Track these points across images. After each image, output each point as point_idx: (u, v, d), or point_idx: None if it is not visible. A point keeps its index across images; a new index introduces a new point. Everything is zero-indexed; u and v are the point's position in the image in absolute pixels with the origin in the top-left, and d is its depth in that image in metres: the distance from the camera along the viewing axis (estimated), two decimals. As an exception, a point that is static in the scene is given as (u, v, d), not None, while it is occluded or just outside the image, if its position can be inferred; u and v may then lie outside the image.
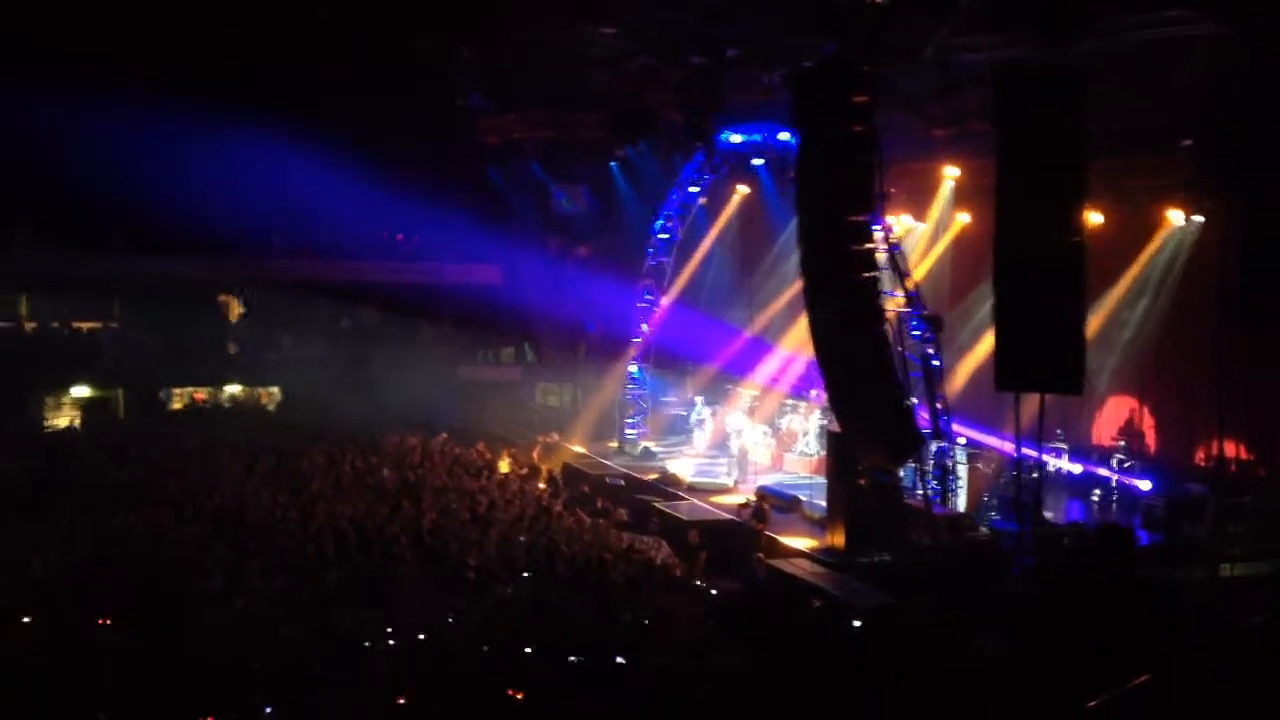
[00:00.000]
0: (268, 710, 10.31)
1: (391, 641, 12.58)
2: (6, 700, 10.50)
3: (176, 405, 32.93)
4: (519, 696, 10.86)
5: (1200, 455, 20.72)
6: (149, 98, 27.15)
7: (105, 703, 10.45)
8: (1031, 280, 14.67)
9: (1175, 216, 20.66)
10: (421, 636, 12.80)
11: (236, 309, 35.68)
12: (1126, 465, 20.81)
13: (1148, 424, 22.10)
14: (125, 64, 26.93)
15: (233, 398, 33.76)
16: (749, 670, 11.80)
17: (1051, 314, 14.67)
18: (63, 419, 31.28)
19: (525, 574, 15.53)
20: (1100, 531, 17.11)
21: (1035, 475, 17.73)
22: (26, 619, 12.54)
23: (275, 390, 33.88)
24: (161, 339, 32.79)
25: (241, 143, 27.73)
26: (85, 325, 34.15)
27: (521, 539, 17.25)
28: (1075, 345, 14.84)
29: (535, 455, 25.48)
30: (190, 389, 33.37)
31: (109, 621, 12.92)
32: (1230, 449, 19.75)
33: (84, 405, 31.65)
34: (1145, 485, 20.05)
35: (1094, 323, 19.13)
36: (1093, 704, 10.19)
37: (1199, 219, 20.39)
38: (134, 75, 26.94)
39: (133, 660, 11.57)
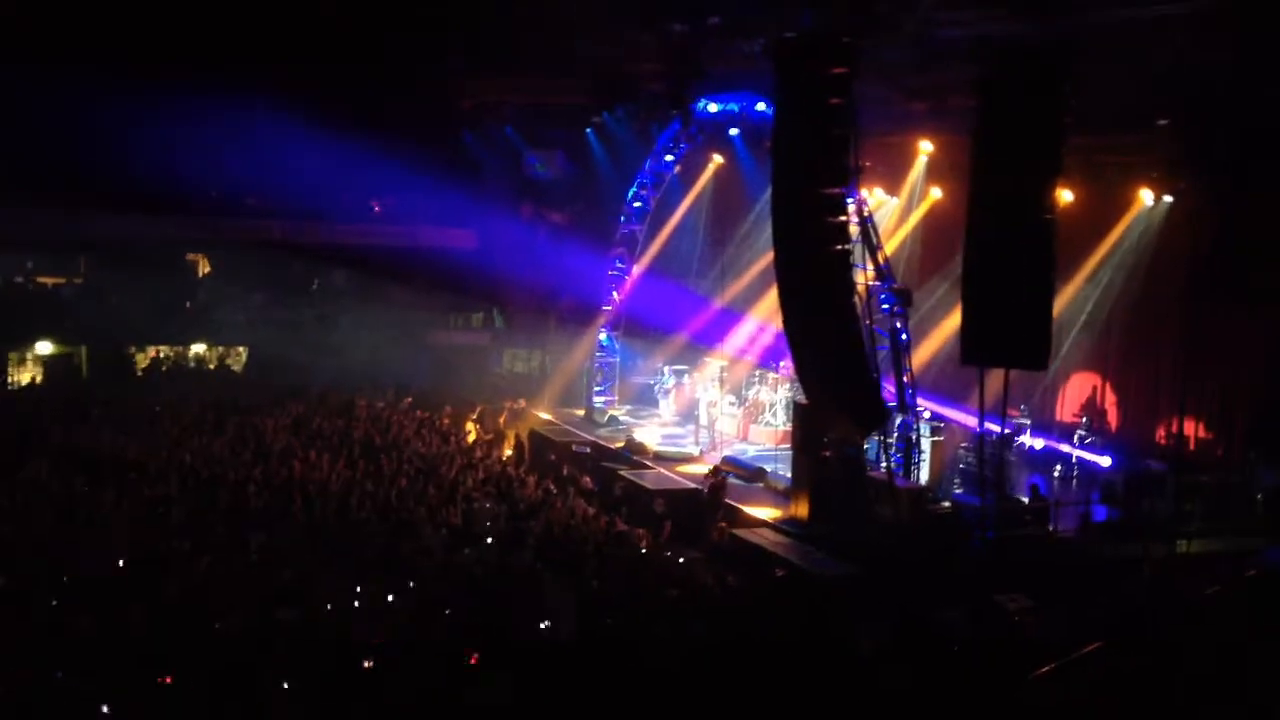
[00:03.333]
0: (229, 669, 10.31)
1: (356, 604, 12.61)
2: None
3: (141, 363, 32.61)
4: (473, 660, 10.92)
5: (1160, 433, 21.02)
6: (121, 56, 26.75)
7: (66, 664, 10.41)
8: (1001, 256, 14.79)
9: (1145, 196, 20.84)
10: (390, 599, 12.84)
11: (205, 267, 35.35)
12: (1088, 441, 21.08)
13: (1110, 401, 22.38)
14: (97, 23, 26.54)
15: (199, 357, 33.47)
16: (717, 639, 11.92)
17: (1019, 290, 14.79)
18: (24, 375, 30.95)
19: (489, 540, 15.57)
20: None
21: (998, 450, 17.93)
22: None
23: (242, 350, 33.64)
24: (127, 296, 32.44)
25: (214, 102, 27.38)
26: (50, 281, 33.76)
27: (488, 505, 17.27)
28: (1042, 322, 14.99)
29: (502, 421, 25.48)
30: (156, 347, 33.04)
31: (77, 585, 12.84)
32: (1190, 428, 20.03)
33: (47, 362, 31.32)
34: (1105, 461, 20.33)
35: (1060, 299, 19.31)
36: (1041, 671, 10.36)
37: (1168, 199, 20.57)
38: (106, 34, 26.54)
39: (101, 623, 11.55)
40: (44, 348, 31.29)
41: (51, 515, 15.76)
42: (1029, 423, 21.69)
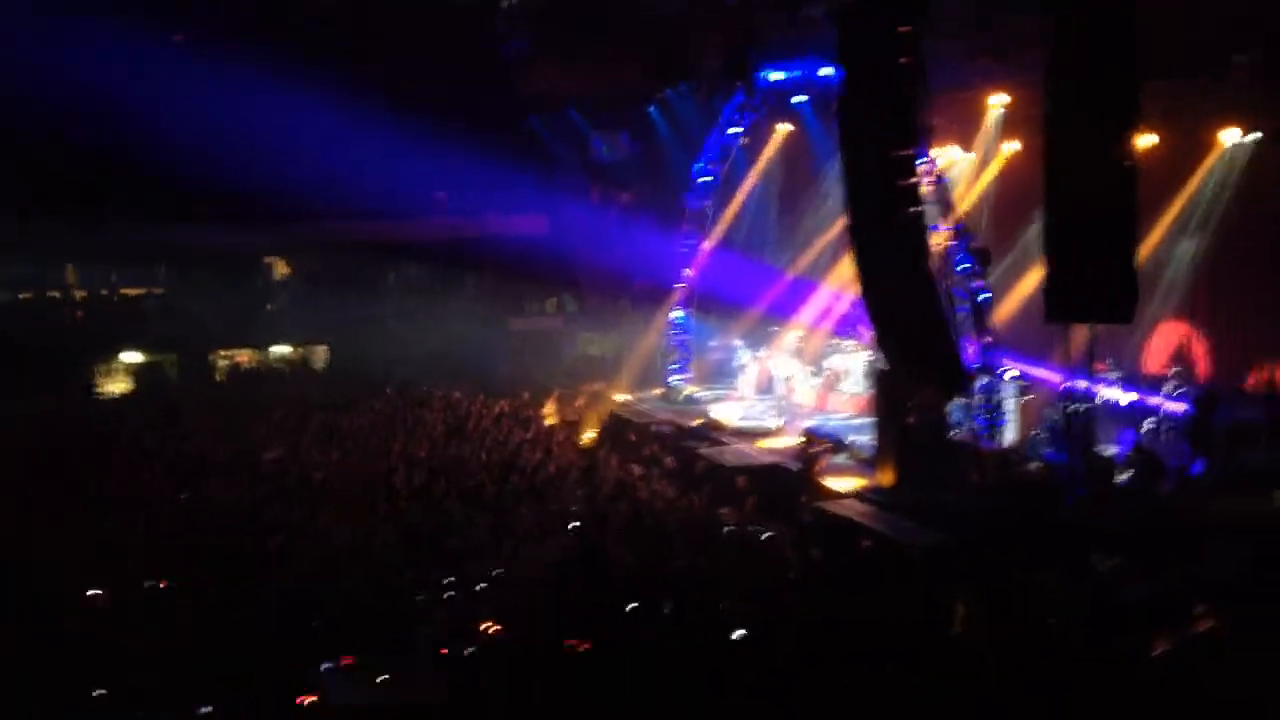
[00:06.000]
0: (324, 667, 10.41)
1: (450, 594, 12.69)
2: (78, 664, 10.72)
3: (225, 367, 33.27)
4: (581, 648, 10.90)
5: (1252, 380, 20.34)
6: (189, 61, 27.22)
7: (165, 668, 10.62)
8: (1082, 208, 14.39)
9: (1229, 136, 20.11)
10: (480, 587, 12.90)
11: (282, 270, 35.91)
12: (1179, 393, 20.47)
13: (1199, 350, 21.70)
14: (163, 27, 27.00)
15: (281, 358, 34.05)
16: (806, 616, 11.79)
17: (1102, 242, 14.39)
18: (117, 385, 31.73)
19: (575, 524, 15.59)
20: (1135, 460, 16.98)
21: (1085, 407, 17.50)
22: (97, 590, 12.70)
23: (322, 349, 34.14)
24: (208, 304, 33.11)
25: (278, 105, 27.76)
26: (133, 291, 34.55)
27: (575, 490, 17.32)
28: (1126, 274, 14.56)
29: (580, 405, 25.52)
30: (238, 351, 33.68)
31: (171, 586, 13.10)
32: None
33: (136, 371, 32.08)
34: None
35: (1144, 249, 18.75)
36: (1158, 651, 10.05)
37: (1253, 137, 19.84)
38: (169, 37, 27.00)
39: (198, 624, 11.77)
40: (130, 357, 32.04)
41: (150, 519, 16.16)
42: (1117, 376, 21.13)
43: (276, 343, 34.02)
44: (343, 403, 24.63)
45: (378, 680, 10.16)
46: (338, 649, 10.69)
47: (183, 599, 12.70)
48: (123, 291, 34.52)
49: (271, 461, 19.46)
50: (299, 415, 23.47)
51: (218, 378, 32.61)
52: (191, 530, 15.57)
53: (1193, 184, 20.93)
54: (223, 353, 33.37)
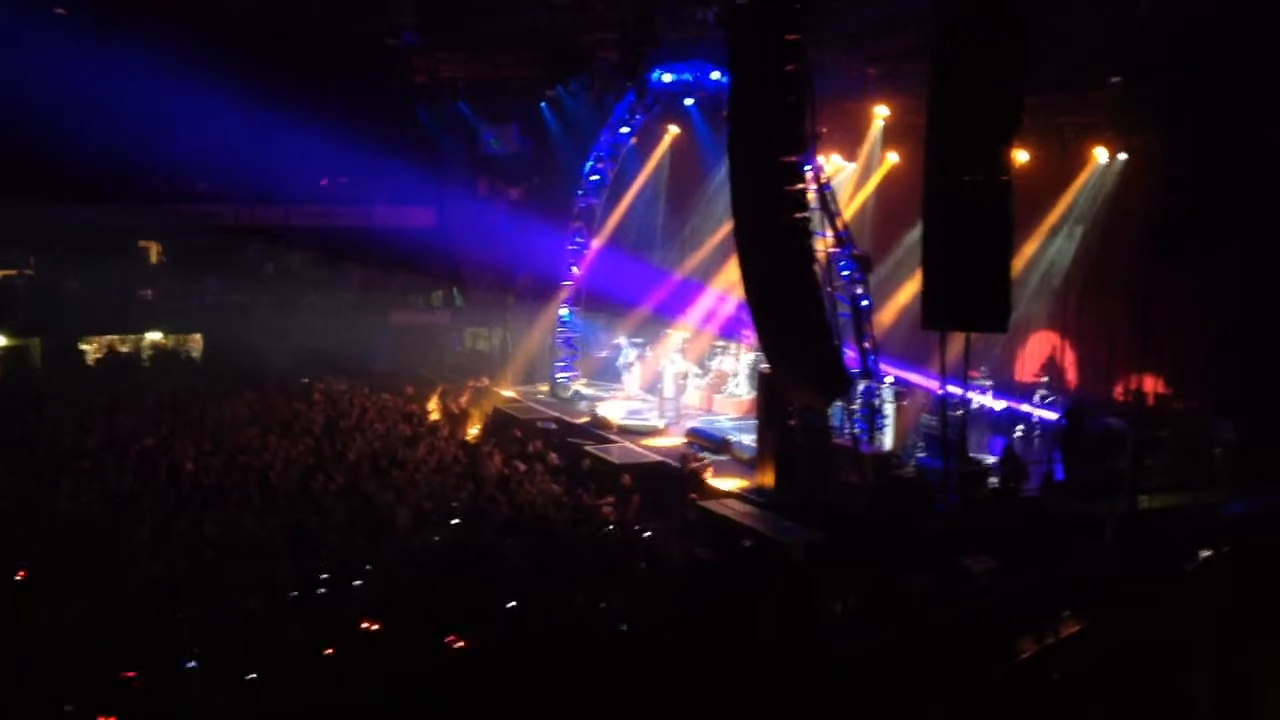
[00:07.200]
0: (191, 664, 10.16)
1: (322, 590, 12.48)
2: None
3: (95, 354, 32.13)
4: (460, 645, 10.83)
5: (1119, 390, 21.17)
6: (65, 38, 26.22)
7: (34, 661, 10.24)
8: (959, 219, 14.73)
9: (1100, 154, 20.91)
10: (357, 584, 12.71)
11: (156, 255, 34.79)
12: (1048, 401, 21.19)
13: (1069, 360, 22.51)
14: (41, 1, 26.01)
15: (154, 345, 33.01)
16: (685, 610, 11.90)
17: (978, 253, 14.75)
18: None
19: (456, 520, 15.46)
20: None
21: (960, 413, 18.00)
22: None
23: (198, 338, 33.20)
24: (79, 287, 31.93)
25: (162, 85, 26.91)
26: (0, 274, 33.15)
27: (455, 484, 17.16)
28: (1001, 284, 14.97)
29: (465, 400, 25.31)
30: (110, 337, 32.55)
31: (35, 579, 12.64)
32: (1149, 384, 20.19)
33: (0, 355, 30.82)
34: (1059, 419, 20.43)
35: (1018, 260, 19.34)
36: (1024, 656, 10.38)
37: (1123, 156, 20.66)
38: (48, 11, 25.99)
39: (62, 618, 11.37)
40: (-4, 341, 30.80)
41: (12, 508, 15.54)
42: (990, 384, 21.79)
43: (149, 330, 32.97)
44: (218, 393, 23.98)
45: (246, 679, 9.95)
46: (205, 644, 10.44)
47: (44, 591, 12.23)
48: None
49: (141, 452, 18.85)
50: (171, 405, 22.79)
51: (88, 363, 31.45)
52: (54, 522, 14.99)
53: (1065, 198, 21.73)
54: (93, 339, 32.22)
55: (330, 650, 10.69)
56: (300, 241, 33.28)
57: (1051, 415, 20.64)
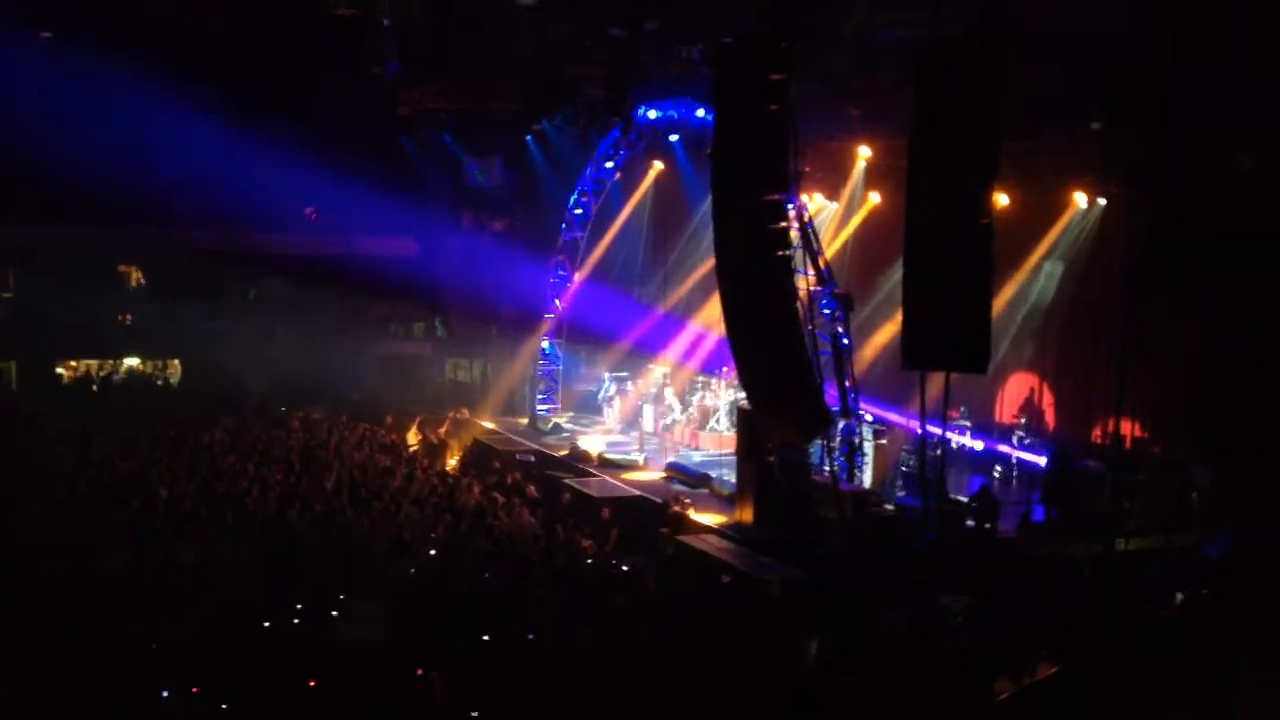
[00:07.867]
0: (164, 694, 10.04)
1: (296, 621, 12.37)
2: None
3: (71, 377, 31.91)
4: (429, 676, 10.75)
5: (1097, 433, 21.30)
6: (49, 62, 26.20)
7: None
8: (939, 260, 14.83)
9: (1079, 199, 21.15)
10: (334, 614, 12.60)
11: (136, 279, 34.65)
12: (1027, 442, 21.31)
13: (1048, 401, 22.66)
14: (27, 25, 25.99)
15: (131, 370, 32.81)
16: (660, 645, 11.84)
17: (958, 294, 14.84)
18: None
19: (433, 551, 15.37)
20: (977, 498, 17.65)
21: (939, 452, 18.06)
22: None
23: (176, 363, 33.02)
24: (57, 310, 31.71)
25: (146, 109, 26.93)
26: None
27: (430, 516, 17.06)
28: (981, 325, 15.04)
29: (444, 431, 25.26)
30: (87, 361, 32.33)
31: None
32: (1126, 427, 20.32)
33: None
34: (1042, 461, 20.56)
35: (998, 302, 19.49)
36: (1002, 697, 10.38)
37: (1102, 202, 20.90)
38: (34, 35, 25.98)
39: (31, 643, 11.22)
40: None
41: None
42: (969, 424, 21.90)
43: (128, 354, 32.77)
44: (196, 419, 23.82)
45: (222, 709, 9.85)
46: (181, 673, 10.32)
47: (13, 615, 12.07)
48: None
49: (116, 477, 18.68)
50: (148, 430, 22.62)
51: (64, 386, 31.22)
52: (26, 545, 14.82)
53: (1045, 242, 21.95)
54: (70, 362, 32.00)
55: (312, 682, 10.59)
56: (281, 268, 33.22)
57: (1030, 456, 20.76)
